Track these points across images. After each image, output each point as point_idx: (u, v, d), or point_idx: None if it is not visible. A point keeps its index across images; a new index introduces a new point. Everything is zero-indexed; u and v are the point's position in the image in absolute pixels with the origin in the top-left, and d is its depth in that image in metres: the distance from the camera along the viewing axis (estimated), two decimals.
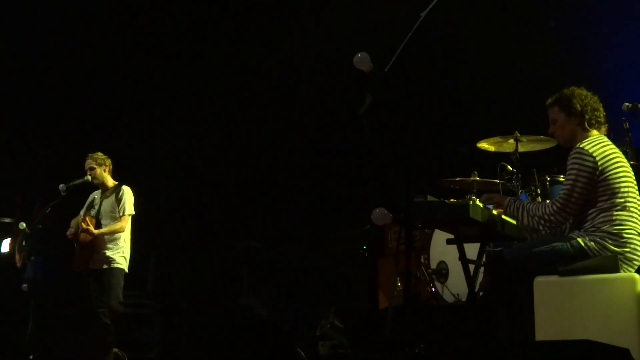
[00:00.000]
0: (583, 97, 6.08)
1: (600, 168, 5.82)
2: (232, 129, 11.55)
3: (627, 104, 7.58)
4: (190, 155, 11.58)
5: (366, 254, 9.54)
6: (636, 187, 5.96)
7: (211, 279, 11.00)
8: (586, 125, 6.06)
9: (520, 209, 6.04)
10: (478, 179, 7.91)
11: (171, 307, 10.52)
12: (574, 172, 5.86)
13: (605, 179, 5.83)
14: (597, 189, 5.83)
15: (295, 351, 6.45)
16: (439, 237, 8.18)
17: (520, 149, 7.81)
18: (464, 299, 7.79)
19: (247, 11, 11.37)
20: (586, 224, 5.86)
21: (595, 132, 6.08)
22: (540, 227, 5.97)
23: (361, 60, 5.56)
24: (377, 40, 9.42)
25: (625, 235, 5.78)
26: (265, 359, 6.16)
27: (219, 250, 11.18)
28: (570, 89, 6.14)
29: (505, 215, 6.27)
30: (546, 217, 5.90)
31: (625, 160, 6.00)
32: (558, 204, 5.88)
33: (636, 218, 5.86)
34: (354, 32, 10.08)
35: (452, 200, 6.35)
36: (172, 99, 11.51)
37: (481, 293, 7.64)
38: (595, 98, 6.14)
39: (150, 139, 11.28)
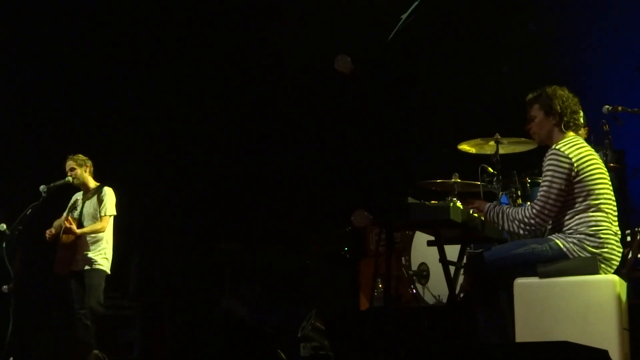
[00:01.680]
0: (564, 98, 6.10)
1: (576, 169, 5.85)
2: (215, 130, 11.54)
3: (608, 106, 7.63)
4: (172, 157, 11.56)
5: (347, 256, 9.55)
6: (611, 188, 5.99)
7: (193, 281, 10.99)
8: (563, 127, 6.08)
9: (500, 214, 6.05)
10: (459, 180, 7.93)
11: (153, 309, 10.50)
12: (550, 173, 5.89)
13: (581, 181, 5.86)
14: (573, 190, 5.86)
15: (275, 353, 6.46)
16: (420, 239, 8.20)
17: (501, 151, 7.84)
18: (444, 300, 7.80)
19: (231, 8, 11.36)
20: (563, 226, 5.89)
21: (571, 133, 6.10)
22: (521, 232, 5.99)
23: (341, 62, 5.56)
24: (360, 40, 9.46)
25: (602, 236, 5.82)
26: None
27: (200, 252, 11.17)
28: (552, 88, 6.15)
29: (486, 220, 6.28)
30: (526, 220, 5.92)
31: (600, 161, 6.03)
32: (536, 207, 5.90)
33: (611, 219, 5.91)
34: (337, 32, 10.10)
35: (433, 202, 6.37)
36: (155, 99, 11.49)
37: (462, 294, 7.67)
38: (576, 100, 6.16)
39: (132, 140, 11.25)
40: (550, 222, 6.01)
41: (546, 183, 5.90)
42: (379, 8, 10.33)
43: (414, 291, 8.46)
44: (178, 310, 10.45)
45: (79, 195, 9.02)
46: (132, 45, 11.41)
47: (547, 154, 5.99)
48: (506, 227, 6.03)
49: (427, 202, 6.27)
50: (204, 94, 11.31)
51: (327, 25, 10.44)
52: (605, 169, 6.04)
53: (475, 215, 6.32)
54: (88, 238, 8.74)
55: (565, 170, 5.85)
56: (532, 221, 5.91)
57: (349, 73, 5.66)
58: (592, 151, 6.04)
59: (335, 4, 10.54)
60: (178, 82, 11.35)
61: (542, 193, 5.91)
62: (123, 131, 11.30)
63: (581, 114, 6.20)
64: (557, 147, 5.96)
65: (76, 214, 8.86)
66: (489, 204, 6.19)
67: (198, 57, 11.40)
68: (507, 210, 6.06)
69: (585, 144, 6.06)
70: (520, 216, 5.95)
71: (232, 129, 11.49)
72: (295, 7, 10.93)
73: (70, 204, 8.99)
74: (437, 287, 8.20)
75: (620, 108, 7.72)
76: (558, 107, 6.07)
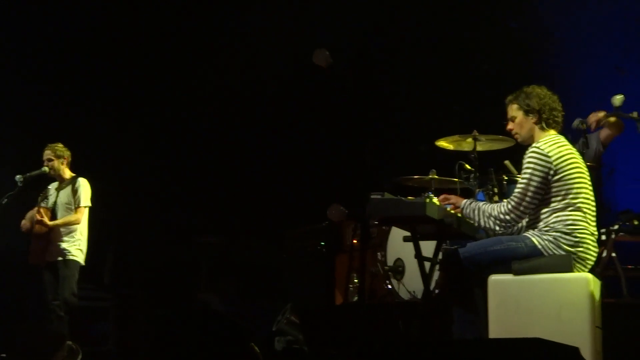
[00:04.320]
0: (542, 96, 6.12)
1: (555, 168, 5.87)
2: (194, 124, 11.51)
3: (578, 121, 7.62)
4: (149, 149, 11.52)
5: (324, 251, 9.54)
6: (590, 188, 6.02)
7: (169, 273, 10.97)
8: (544, 124, 6.11)
9: (476, 210, 6.07)
10: (436, 177, 7.94)
11: (128, 301, 10.47)
12: (528, 171, 5.91)
13: (560, 179, 5.87)
14: (551, 189, 5.88)
15: (249, 346, 6.45)
16: (396, 235, 8.20)
17: (479, 148, 7.86)
18: (419, 296, 7.80)
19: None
20: (540, 224, 5.91)
21: (552, 131, 6.12)
22: (497, 228, 6.02)
23: (319, 55, 5.56)
24: (338, 35, 9.46)
25: (579, 235, 5.84)
26: (219, 353, 6.15)
27: (177, 245, 11.15)
28: (531, 87, 6.18)
29: (462, 216, 6.29)
30: (501, 216, 5.95)
31: (580, 160, 6.05)
32: (512, 203, 5.93)
33: (589, 218, 5.93)
34: (315, 27, 10.09)
35: (409, 198, 6.36)
36: (130, 90, 11.44)
37: (437, 291, 7.68)
38: (555, 98, 6.18)
39: (108, 131, 11.20)
40: (527, 219, 6.03)
41: (524, 180, 5.92)
42: (358, 4, 10.36)
43: (389, 287, 8.46)
44: (153, 302, 10.43)
45: (53, 186, 8.97)
46: (108, 34, 11.36)
47: (527, 151, 6.01)
48: (482, 223, 6.05)
49: (403, 198, 6.27)
50: (181, 87, 11.27)
51: (305, 19, 10.43)
52: (586, 169, 6.06)
53: (452, 212, 6.32)
54: (62, 229, 8.69)
55: (544, 169, 5.87)
56: (507, 217, 5.93)
57: (327, 67, 5.66)
58: (573, 150, 6.06)
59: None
60: (155, 73, 11.30)
61: (519, 190, 5.93)
62: (100, 122, 11.25)
63: (560, 110, 6.21)
64: (537, 145, 5.98)
65: (50, 203, 8.81)
66: (465, 200, 6.21)
67: (174, 49, 11.36)
68: (483, 206, 6.08)
69: (567, 142, 6.09)
70: (495, 212, 5.97)
71: (211, 122, 11.46)
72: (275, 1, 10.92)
73: (41, 195, 8.94)
74: (412, 283, 8.20)
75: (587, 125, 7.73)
76: (537, 105, 6.10)
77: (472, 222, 6.20)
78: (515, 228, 6.19)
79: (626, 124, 7.92)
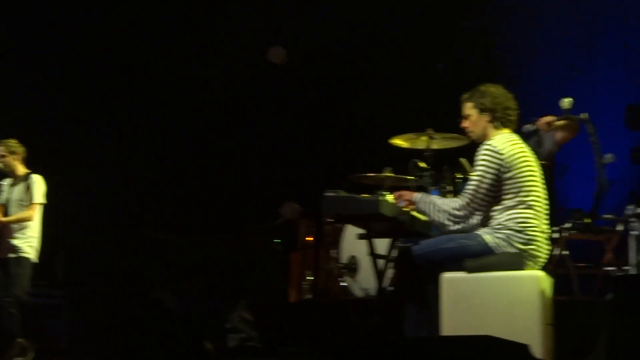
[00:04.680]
0: (496, 95, 6.16)
1: (507, 166, 5.91)
2: (151, 119, 11.45)
3: (528, 126, 7.67)
4: (105, 145, 11.44)
5: (278, 248, 9.55)
6: (543, 186, 6.06)
7: (123, 270, 10.90)
8: (498, 123, 6.14)
9: (429, 205, 6.10)
10: (391, 175, 7.96)
11: (81, 298, 10.40)
12: (481, 168, 5.95)
13: (512, 177, 5.91)
14: (503, 186, 5.92)
15: (201, 344, 6.42)
16: (350, 232, 8.20)
17: (433, 146, 7.88)
18: (373, 293, 7.82)
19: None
20: (492, 221, 5.95)
21: (506, 130, 6.16)
22: (448, 222, 6.04)
23: (275, 53, 5.56)
24: (294, 33, 9.45)
25: (530, 233, 5.88)
26: (171, 351, 6.12)
27: (131, 241, 11.08)
28: (485, 86, 6.22)
29: (416, 211, 6.31)
30: (452, 211, 5.98)
31: (533, 159, 6.09)
32: (464, 199, 5.97)
33: (541, 216, 5.97)
34: (271, 26, 10.07)
35: (363, 195, 6.37)
36: (87, 88, 11.37)
37: (390, 288, 7.69)
38: (510, 96, 6.21)
39: (64, 128, 11.12)
40: (480, 217, 6.07)
41: (476, 177, 5.96)
42: (315, 2, 10.35)
43: (343, 284, 8.47)
44: (107, 299, 10.36)
45: (6, 182, 8.90)
46: (78, 36, 11.29)
47: (479, 149, 6.05)
48: (434, 217, 6.08)
49: (357, 196, 6.28)
50: (138, 82, 11.21)
51: (262, 16, 10.41)
52: (539, 167, 6.11)
53: (406, 209, 6.34)
54: (14, 226, 8.64)
55: (496, 166, 5.91)
56: (458, 212, 5.97)
57: (282, 64, 5.66)
58: (526, 148, 6.10)
59: None
60: (112, 70, 11.23)
61: (471, 187, 5.97)
62: (56, 118, 11.17)
63: (515, 109, 6.24)
64: (490, 143, 6.02)
65: (3, 199, 8.75)
66: (418, 194, 6.23)
67: (134, 45, 11.29)
68: (436, 201, 6.11)
69: (520, 141, 6.13)
70: (447, 207, 6.01)
71: (168, 118, 11.41)
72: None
73: None
74: (366, 280, 8.20)
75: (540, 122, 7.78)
76: (490, 104, 6.13)
77: (423, 217, 6.23)
78: (466, 224, 6.23)
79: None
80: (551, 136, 8.03)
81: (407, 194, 6.30)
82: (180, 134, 11.37)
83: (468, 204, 5.96)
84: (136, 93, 11.28)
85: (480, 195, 5.93)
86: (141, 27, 11.16)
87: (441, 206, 6.05)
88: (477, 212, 6.00)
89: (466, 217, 6.01)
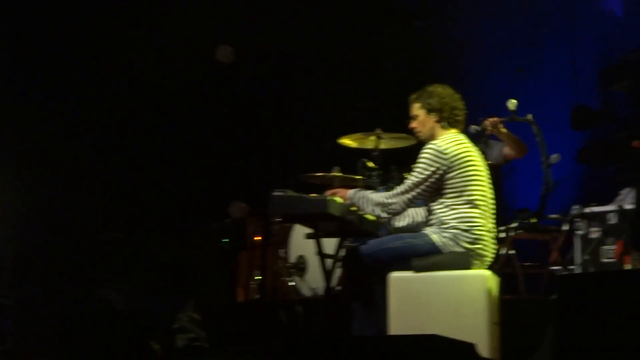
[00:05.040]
0: (443, 95, 6.20)
1: (450, 165, 5.95)
2: (97, 117, 11.34)
3: (475, 126, 7.73)
4: (49, 144, 11.32)
5: (227, 247, 9.52)
6: (489, 186, 6.11)
7: (70, 270, 10.81)
8: (445, 123, 6.19)
9: (363, 199, 6.14)
10: (339, 174, 7.97)
11: (28, 298, 10.30)
12: (421, 165, 6.01)
13: (455, 177, 5.95)
14: (448, 185, 5.97)
15: (149, 344, 6.40)
16: (299, 232, 8.21)
17: (382, 146, 7.91)
18: (321, 293, 7.83)
19: None
20: (439, 221, 5.99)
21: (453, 130, 6.21)
22: (382, 214, 6.09)
23: (223, 52, 5.55)
24: (241, 33, 9.42)
25: (476, 232, 5.92)
26: (118, 351, 6.09)
27: (79, 240, 10.99)
28: (433, 86, 6.27)
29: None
30: (385, 200, 6.04)
31: (479, 159, 6.13)
32: (399, 190, 6.03)
33: (487, 216, 6.02)
34: (218, 25, 10.03)
35: (312, 195, 6.38)
36: (27, 87, 11.23)
37: (338, 287, 7.71)
38: (457, 97, 6.26)
39: (6, 126, 10.98)
40: (426, 215, 6.11)
41: (415, 173, 6.03)
42: (261, 1, 10.33)
43: (292, 283, 8.47)
44: (54, 299, 10.27)
45: None
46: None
47: (423, 147, 6.09)
48: (369, 210, 6.12)
49: (306, 195, 6.28)
50: (82, 77, 11.09)
51: (207, 17, 10.35)
52: (485, 167, 6.15)
53: (354, 209, 6.36)
54: None
55: (437, 164, 5.96)
56: (390, 200, 6.02)
57: (230, 63, 5.65)
58: (472, 148, 6.15)
59: None
60: (52, 64, 11.10)
61: (408, 181, 6.03)
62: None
63: (463, 109, 6.28)
64: (434, 142, 6.07)
65: None
66: (352, 190, 6.26)
67: (75, 39, 11.17)
68: (370, 194, 6.16)
69: (466, 141, 6.17)
70: (381, 199, 6.07)
71: (115, 116, 11.31)
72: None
73: None
74: (314, 280, 8.22)
75: (487, 124, 7.85)
76: (438, 104, 6.18)
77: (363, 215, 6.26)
78: (400, 216, 6.28)
79: (523, 126, 8.08)
80: (500, 148, 8.10)
81: (341, 192, 6.32)
82: (127, 132, 11.27)
83: (400, 194, 6.02)
84: (80, 88, 11.17)
85: (417, 190, 5.99)
86: (83, 19, 11.04)
87: (376, 199, 6.09)
88: (407, 207, 6.05)
89: (398, 208, 6.05)
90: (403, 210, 6.14)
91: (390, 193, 6.08)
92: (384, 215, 6.12)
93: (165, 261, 10.27)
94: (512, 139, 7.87)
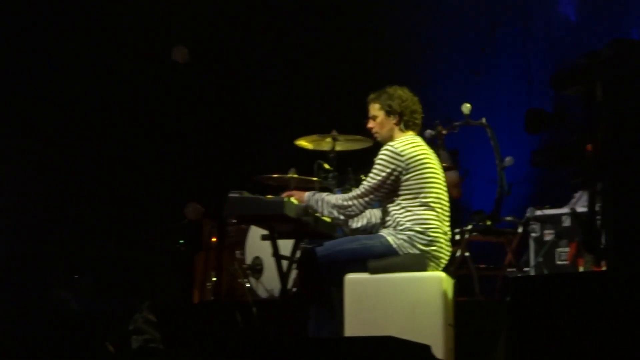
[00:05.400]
0: (404, 98, 6.24)
1: (406, 167, 5.98)
2: (49, 118, 11.26)
3: (430, 130, 7.80)
4: (2, 144, 11.22)
5: (183, 249, 9.49)
6: (444, 188, 6.15)
7: (23, 270, 10.72)
8: (403, 126, 6.22)
9: (319, 201, 6.15)
10: (295, 176, 7.97)
11: None
12: (378, 167, 6.04)
13: (411, 179, 5.99)
14: (403, 187, 6.00)
15: (103, 345, 6.37)
16: (255, 233, 8.20)
17: (337, 148, 7.92)
18: (277, 294, 7.84)
19: None
20: (394, 223, 6.02)
21: (411, 132, 6.25)
22: (340, 216, 6.12)
23: (178, 52, 5.54)
24: (197, 33, 9.40)
25: (432, 234, 5.96)
26: (72, 353, 6.07)
27: (32, 241, 10.90)
28: (393, 88, 6.29)
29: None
30: (343, 202, 6.08)
31: (435, 162, 6.17)
32: (356, 192, 6.07)
33: (442, 218, 6.06)
34: (173, 24, 9.99)
35: (268, 196, 6.38)
36: None
37: (294, 289, 7.71)
38: (416, 100, 6.30)
39: None
40: (382, 217, 6.14)
41: (372, 175, 6.07)
42: (217, 2, 10.30)
43: (247, 285, 8.47)
44: (6, 301, 10.19)
45: None
46: None
47: (381, 149, 6.12)
48: (326, 213, 6.14)
49: (261, 197, 6.28)
50: (37, 80, 11.01)
51: (163, 15, 10.31)
52: (440, 169, 6.19)
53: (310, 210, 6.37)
54: None
55: (394, 166, 5.99)
56: (348, 202, 6.06)
57: (185, 64, 5.64)
58: (428, 151, 6.19)
59: None
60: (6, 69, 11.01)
61: (366, 183, 6.06)
62: None
63: (420, 113, 6.32)
64: (392, 144, 6.10)
65: None
66: (308, 193, 6.28)
67: (27, 42, 11.09)
68: (326, 197, 6.18)
69: (423, 143, 6.21)
70: (339, 202, 6.09)
71: (69, 117, 11.24)
72: None
73: None
74: (270, 282, 8.21)
75: (443, 130, 7.93)
76: (398, 107, 6.21)
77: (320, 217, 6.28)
78: (368, 224, 6.31)
79: (478, 130, 8.15)
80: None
81: (297, 194, 6.34)
82: (80, 132, 11.19)
83: (358, 197, 6.05)
84: (33, 91, 11.08)
85: (373, 192, 6.02)
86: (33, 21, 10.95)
87: (332, 201, 6.12)
88: (365, 208, 6.09)
89: (355, 210, 6.09)
90: (361, 212, 6.18)
91: (347, 195, 6.10)
92: (341, 217, 6.15)
93: (121, 262, 10.23)
94: (456, 183, 8.00)
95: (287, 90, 10.43)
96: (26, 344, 6.76)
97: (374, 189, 6.03)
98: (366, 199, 6.05)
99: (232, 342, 5.00)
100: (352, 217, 6.22)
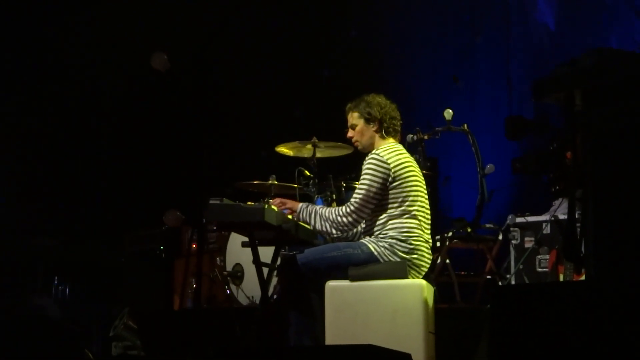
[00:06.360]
0: (383, 105, 6.22)
1: (393, 175, 5.98)
2: (28, 122, 11.22)
3: (412, 135, 7.82)
4: None
5: (163, 255, 9.47)
6: (426, 196, 6.15)
7: (2, 277, 10.67)
8: (383, 133, 6.21)
9: (313, 214, 6.13)
10: (276, 182, 7.97)
11: None
12: (368, 177, 6.01)
13: (397, 187, 5.99)
14: (388, 196, 5.99)
15: (83, 352, 6.35)
16: (236, 240, 8.19)
17: (318, 155, 7.92)
18: (258, 301, 7.83)
19: None
20: (376, 230, 6.01)
21: (392, 139, 6.24)
22: (333, 231, 6.09)
23: (157, 59, 5.51)
24: (175, 40, 9.37)
25: (413, 242, 5.96)
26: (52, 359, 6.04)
27: (11, 247, 10.85)
28: (371, 95, 6.27)
29: (298, 220, 6.34)
30: (339, 219, 6.02)
31: (417, 169, 6.18)
32: (351, 207, 6.01)
33: (424, 226, 6.06)
34: (151, 30, 9.97)
35: (248, 203, 6.37)
36: None
37: (275, 296, 7.71)
38: (394, 106, 6.29)
39: None
40: (364, 225, 6.14)
41: (364, 186, 6.01)
42: (196, 8, 10.29)
43: (228, 292, 8.46)
44: None
45: None
46: None
47: (366, 158, 6.11)
48: (318, 226, 6.11)
49: (242, 204, 6.27)
50: (23, 82, 10.96)
51: (143, 22, 10.29)
52: (422, 177, 6.20)
53: (290, 217, 6.37)
54: None
55: (383, 175, 5.98)
56: (345, 219, 6.01)
57: (165, 71, 5.62)
58: (410, 158, 6.19)
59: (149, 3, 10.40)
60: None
61: (358, 195, 6.02)
62: None
63: (399, 119, 6.32)
64: (377, 152, 6.09)
65: None
66: (301, 204, 6.26)
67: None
68: (320, 210, 6.14)
69: (405, 151, 6.21)
70: (333, 216, 6.04)
71: (48, 122, 11.20)
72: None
73: None
74: (251, 289, 8.21)
75: (424, 135, 7.95)
76: (377, 114, 6.19)
77: (308, 226, 6.26)
78: (351, 233, 6.30)
79: (459, 136, 8.16)
80: None
81: (289, 203, 6.32)
82: (59, 137, 11.16)
83: (354, 211, 6.01)
84: (18, 98, 11.04)
85: (367, 204, 6.00)
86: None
87: (326, 215, 6.08)
88: (361, 220, 6.07)
89: (352, 224, 6.07)
90: (355, 227, 6.16)
91: (342, 210, 6.04)
92: (336, 233, 6.12)
93: (101, 269, 10.20)
94: None
95: (268, 97, 10.43)
96: (3, 351, 6.71)
97: (367, 201, 6.00)
98: (360, 213, 6.02)
99: (211, 349, 5.00)
100: (346, 232, 6.20)
